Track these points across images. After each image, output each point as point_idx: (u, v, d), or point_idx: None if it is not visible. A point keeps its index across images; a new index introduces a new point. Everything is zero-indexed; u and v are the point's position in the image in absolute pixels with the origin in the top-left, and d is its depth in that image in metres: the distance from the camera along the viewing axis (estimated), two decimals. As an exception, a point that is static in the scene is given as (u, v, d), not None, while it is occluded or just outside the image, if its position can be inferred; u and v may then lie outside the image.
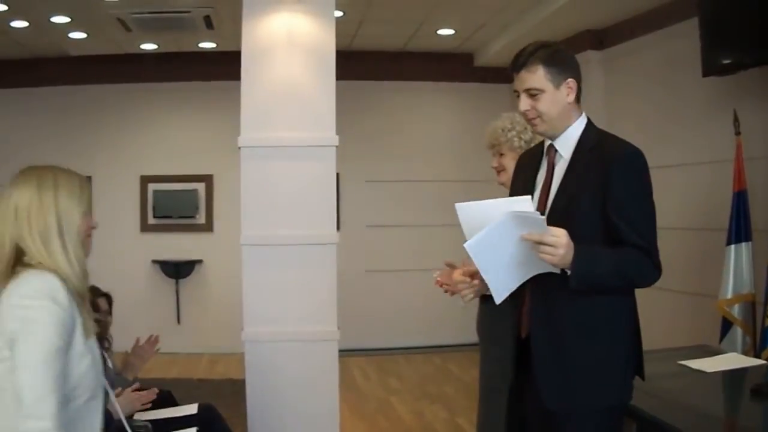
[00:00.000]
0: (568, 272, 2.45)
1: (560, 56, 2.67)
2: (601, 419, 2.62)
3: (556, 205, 2.63)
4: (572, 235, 2.45)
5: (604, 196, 2.53)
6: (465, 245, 2.42)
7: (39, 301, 2.07)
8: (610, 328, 2.62)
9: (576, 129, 2.70)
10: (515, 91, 2.72)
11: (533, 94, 2.64)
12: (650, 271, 2.57)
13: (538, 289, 2.60)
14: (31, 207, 2.17)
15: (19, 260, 2.16)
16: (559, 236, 2.40)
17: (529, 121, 2.74)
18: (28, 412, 1.99)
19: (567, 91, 2.65)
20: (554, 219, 2.53)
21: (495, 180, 3.68)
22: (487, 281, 2.53)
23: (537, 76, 2.62)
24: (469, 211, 2.54)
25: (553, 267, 2.47)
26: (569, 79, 2.65)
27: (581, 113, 2.73)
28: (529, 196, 2.48)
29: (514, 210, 2.39)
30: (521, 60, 2.66)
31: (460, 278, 2.84)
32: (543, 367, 2.61)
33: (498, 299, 2.56)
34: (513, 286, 2.57)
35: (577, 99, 2.70)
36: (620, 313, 2.65)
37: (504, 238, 2.43)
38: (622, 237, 2.53)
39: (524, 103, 2.67)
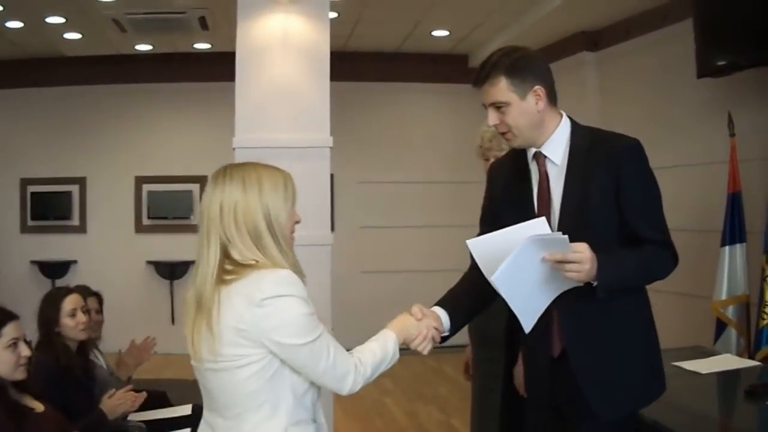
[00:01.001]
0: (594, 283, 2.36)
1: (522, 63, 2.51)
2: (625, 418, 2.60)
3: (566, 213, 2.53)
4: (588, 241, 2.37)
5: (617, 194, 2.47)
6: (492, 279, 2.26)
7: (284, 299, 2.06)
8: (639, 323, 2.60)
9: (562, 132, 2.58)
10: (483, 104, 2.59)
11: (499, 107, 2.52)
12: (669, 263, 2.54)
13: (563, 305, 2.49)
14: (237, 206, 2.11)
15: (228, 260, 2.12)
16: (583, 251, 2.30)
17: (501, 135, 2.62)
18: (343, 379, 2.16)
19: (535, 100, 2.50)
20: (567, 227, 2.46)
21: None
22: (514, 311, 2.40)
23: (499, 89, 2.49)
24: (482, 244, 2.44)
25: (578, 282, 2.37)
26: (536, 87, 2.50)
27: (560, 116, 2.60)
28: (544, 218, 2.39)
29: (535, 234, 2.28)
30: (483, 72, 2.53)
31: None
32: (588, 381, 2.51)
33: (527, 327, 2.44)
34: (539, 310, 2.46)
35: (553, 102, 2.56)
36: (642, 305, 2.63)
37: (527, 263, 2.31)
38: (639, 234, 2.48)
39: (492, 117, 2.55)
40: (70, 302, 3.68)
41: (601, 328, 2.52)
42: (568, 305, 2.48)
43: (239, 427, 2.11)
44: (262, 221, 2.11)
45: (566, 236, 2.28)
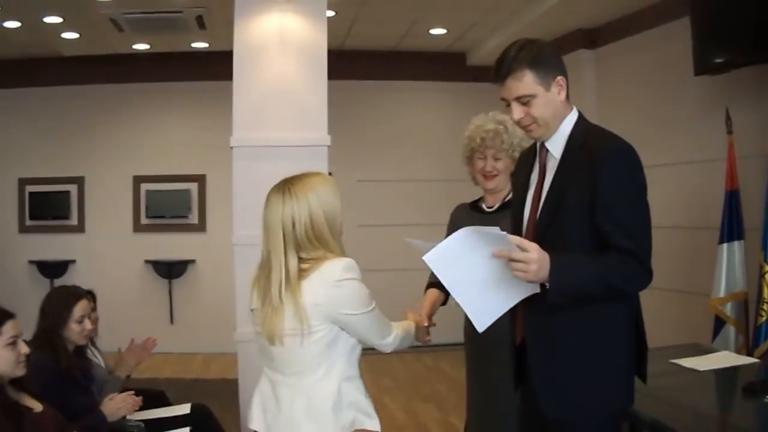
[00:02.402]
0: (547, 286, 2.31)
1: (544, 54, 2.49)
2: (600, 426, 2.49)
3: (546, 209, 2.50)
4: (562, 241, 2.36)
5: (592, 196, 2.37)
6: (423, 257, 2.32)
7: (352, 281, 2.52)
8: (607, 333, 2.46)
9: (566, 126, 2.54)
10: (503, 99, 2.54)
11: (525, 101, 2.48)
12: (638, 275, 2.40)
13: (530, 297, 2.41)
14: (328, 200, 2.59)
15: (301, 259, 2.53)
16: (530, 250, 2.24)
17: (524, 128, 2.58)
18: (385, 342, 2.68)
19: (558, 90, 2.49)
20: (544, 224, 2.46)
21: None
22: (463, 308, 2.42)
23: (525, 83, 2.46)
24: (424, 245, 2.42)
25: (534, 287, 2.34)
26: (558, 77, 2.49)
27: (572, 108, 2.57)
28: (498, 228, 2.26)
29: (474, 228, 2.27)
30: (505, 67, 2.48)
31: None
32: (540, 376, 2.50)
33: (480, 327, 2.42)
34: (496, 313, 2.42)
35: (567, 94, 2.54)
36: (617, 317, 2.47)
37: (470, 257, 2.30)
38: (608, 239, 2.36)
39: (517, 111, 2.51)
40: (81, 308, 3.70)
41: (563, 329, 2.45)
42: (535, 299, 2.40)
43: (299, 383, 2.52)
44: (324, 225, 2.56)
45: (503, 232, 2.24)
